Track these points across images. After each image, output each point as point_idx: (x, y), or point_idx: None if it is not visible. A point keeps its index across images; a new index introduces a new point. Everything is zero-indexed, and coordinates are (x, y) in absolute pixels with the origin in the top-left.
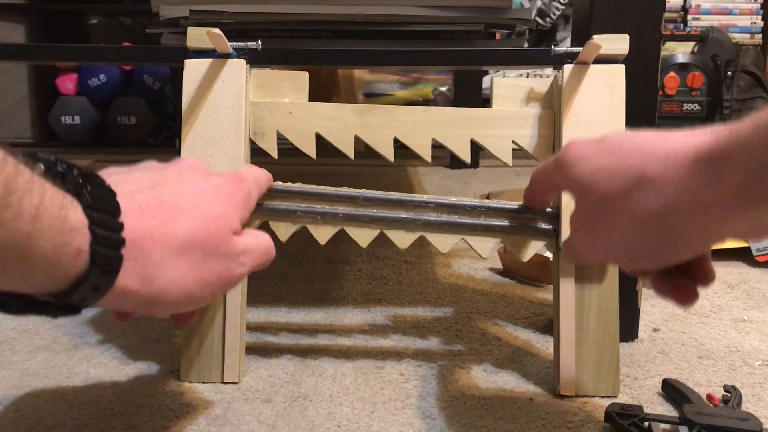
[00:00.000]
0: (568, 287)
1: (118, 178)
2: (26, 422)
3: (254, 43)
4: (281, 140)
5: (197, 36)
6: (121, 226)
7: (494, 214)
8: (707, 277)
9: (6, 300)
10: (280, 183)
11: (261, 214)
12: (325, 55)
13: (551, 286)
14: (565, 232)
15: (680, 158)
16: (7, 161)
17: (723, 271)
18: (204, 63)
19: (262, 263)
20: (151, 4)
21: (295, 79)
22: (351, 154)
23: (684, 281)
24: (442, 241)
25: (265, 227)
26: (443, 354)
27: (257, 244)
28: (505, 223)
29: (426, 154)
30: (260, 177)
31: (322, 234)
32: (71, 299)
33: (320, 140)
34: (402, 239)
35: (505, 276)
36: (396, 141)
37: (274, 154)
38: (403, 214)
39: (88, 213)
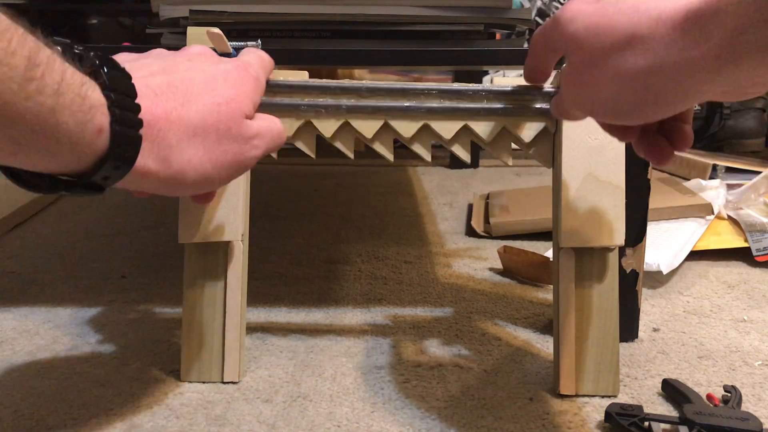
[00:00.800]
0: (568, 287)
1: (131, 64)
2: (26, 422)
3: (254, 42)
4: None
5: (197, 36)
6: (138, 108)
7: (495, 97)
8: (684, 140)
9: (34, 180)
10: (282, 78)
11: (264, 111)
12: (325, 55)
13: (551, 286)
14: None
15: (671, 17)
16: (28, 37)
17: (723, 271)
18: None
19: (275, 146)
20: (151, 4)
21: (295, 78)
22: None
23: (662, 141)
24: (445, 128)
25: None
26: (443, 354)
27: (269, 127)
28: (507, 105)
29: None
30: (265, 60)
31: (327, 127)
32: (95, 178)
33: (320, 140)
34: (406, 128)
35: (505, 276)
36: (395, 141)
37: (275, 154)
38: (406, 103)
39: (107, 93)
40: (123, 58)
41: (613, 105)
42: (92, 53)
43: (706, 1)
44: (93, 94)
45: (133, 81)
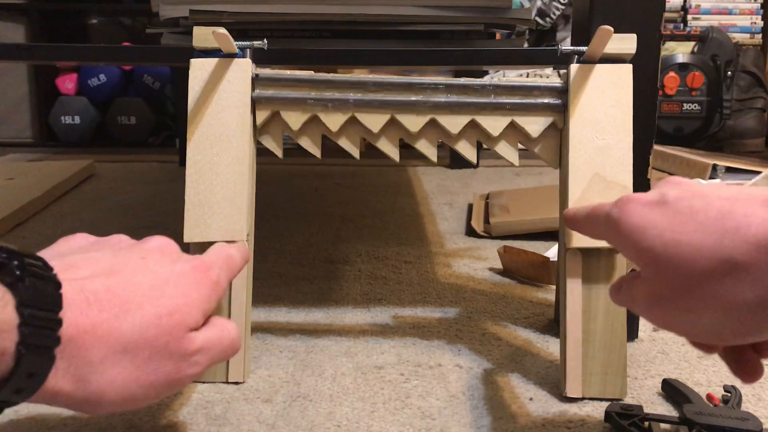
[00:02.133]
0: (575, 288)
1: (72, 259)
2: (26, 422)
3: (260, 42)
4: (286, 139)
5: (203, 36)
6: (58, 324)
7: (503, 92)
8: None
9: None
10: (288, 72)
11: (272, 104)
12: (325, 55)
13: (551, 286)
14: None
15: None
16: None
17: None
18: (210, 63)
19: (222, 359)
20: (151, 4)
21: None
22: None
23: (752, 356)
24: (452, 122)
25: (276, 118)
26: (443, 353)
27: (218, 339)
28: (514, 100)
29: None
30: (232, 258)
31: (334, 121)
32: None
33: (325, 140)
34: (413, 122)
35: (505, 276)
36: (399, 141)
37: (280, 153)
38: (413, 97)
39: (20, 310)
40: (71, 246)
41: (714, 332)
42: (15, 261)
43: None
44: (2, 313)
45: (63, 288)
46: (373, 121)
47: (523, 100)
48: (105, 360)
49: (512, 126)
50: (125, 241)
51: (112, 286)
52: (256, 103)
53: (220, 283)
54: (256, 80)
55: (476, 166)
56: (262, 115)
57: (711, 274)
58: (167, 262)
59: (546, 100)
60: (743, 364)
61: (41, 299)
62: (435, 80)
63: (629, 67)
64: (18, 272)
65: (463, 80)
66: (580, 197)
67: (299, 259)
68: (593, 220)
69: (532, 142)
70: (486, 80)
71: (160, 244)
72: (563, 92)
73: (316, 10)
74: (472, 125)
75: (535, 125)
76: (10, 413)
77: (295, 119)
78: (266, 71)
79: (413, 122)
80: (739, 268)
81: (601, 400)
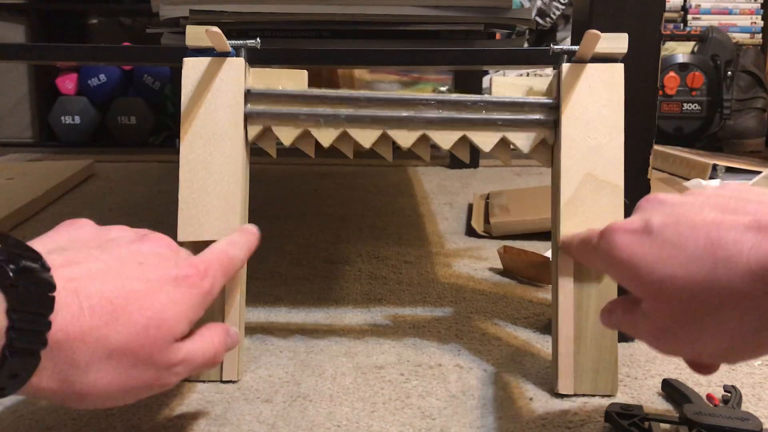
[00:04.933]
0: (566, 286)
1: (72, 255)
2: (26, 422)
3: (253, 41)
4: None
5: (196, 34)
6: (47, 327)
7: (494, 108)
8: None
9: None
10: (281, 88)
11: (263, 120)
12: (325, 55)
13: (551, 286)
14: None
15: (765, 274)
16: None
17: None
18: (203, 62)
19: (203, 369)
20: (151, 4)
21: (294, 77)
22: (350, 153)
23: None
24: (443, 138)
25: (268, 132)
26: (443, 354)
27: (201, 351)
28: (506, 116)
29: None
30: (231, 261)
31: (325, 137)
32: None
33: None
34: (405, 138)
35: (505, 276)
36: (395, 143)
37: (273, 153)
38: (404, 113)
39: (10, 315)
40: (72, 236)
41: (721, 356)
42: (12, 265)
43: None
44: None
45: (58, 289)
46: (365, 137)
47: (514, 116)
48: (90, 364)
49: (503, 141)
50: (125, 238)
51: (106, 292)
52: (248, 118)
53: (212, 292)
54: (248, 95)
55: (476, 166)
56: (254, 130)
57: (711, 305)
58: (163, 269)
59: (536, 116)
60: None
61: (33, 303)
62: (426, 96)
63: (621, 66)
64: (12, 275)
65: (454, 96)
66: (572, 197)
67: (299, 259)
68: (585, 252)
69: (524, 152)
70: (477, 96)
71: (158, 247)
72: (554, 108)
73: (316, 10)
74: (464, 140)
75: (525, 141)
76: (10, 413)
77: (287, 134)
78: (259, 87)
79: (405, 138)
80: (737, 297)
81: (593, 396)
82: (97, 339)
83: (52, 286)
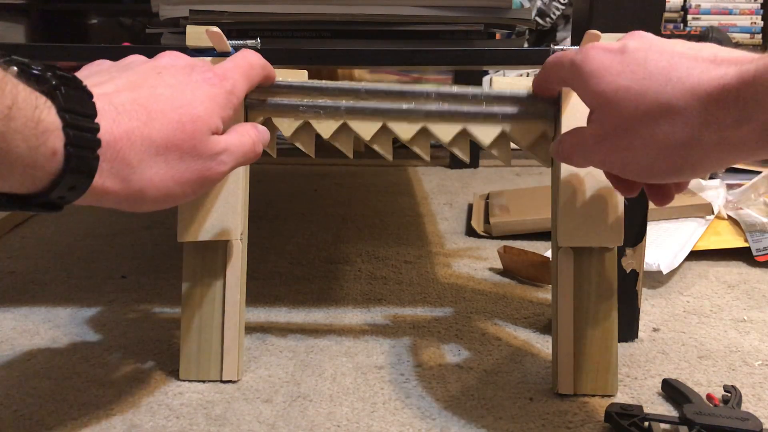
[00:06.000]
0: (566, 285)
1: (97, 79)
2: (26, 422)
3: (253, 41)
4: (281, 140)
5: (196, 35)
6: (96, 128)
7: (495, 101)
8: (684, 183)
9: None
10: (281, 79)
11: (263, 111)
12: (325, 55)
13: (551, 286)
14: (566, 124)
15: (706, 91)
16: None
17: (723, 271)
18: None
19: (245, 161)
20: (151, 4)
21: (295, 77)
22: (349, 151)
23: (670, 187)
24: (444, 131)
25: (268, 123)
26: (443, 354)
27: (239, 143)
28: (506, 109)
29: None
30: (251, 67)
31: (326, 128)
32: (50, 197)
33: (320, 140)
34: (405, 131)
35: (505, 276)
36: (395, 141)
37: (273, 153)
38: (405, 105)
39: (62, 115)
40: (91, 70)
41: (647, 170)
42: (50, 73)
43: (741, 78)
44: (47, 117)
45: (94, 99)
46: (365, 129)
47: (515, 110)
48: (142, 162)
49: (503, 135)
50: (138, 60)
51: (137, 98)
52: (248, 109)
53: (235, 92)
54: None
55: (476, 166)
56: (254, 121)
57: (650, 117)
58: (183, 74)
59: (538, 110)
60: (661, 192)
61: (79, 105)
62: (427, 88)
63: None
64: (54, 81)
65: (455, 89)
66: (573, 196)
67: (299, 259)
68: (558, 65)
69: (524, 147)
70: (478, 89)
71: (171, 60)
72: (554, 102)
73: (316, 10)
74: (464, 134)
75: (526, 134)
76: (10, 413)
77: (287, 125)
78: None
79: (405, 130)
80: (674, 111)
81: (593, 396)
82: (141, 138)
83: (90, 94)
